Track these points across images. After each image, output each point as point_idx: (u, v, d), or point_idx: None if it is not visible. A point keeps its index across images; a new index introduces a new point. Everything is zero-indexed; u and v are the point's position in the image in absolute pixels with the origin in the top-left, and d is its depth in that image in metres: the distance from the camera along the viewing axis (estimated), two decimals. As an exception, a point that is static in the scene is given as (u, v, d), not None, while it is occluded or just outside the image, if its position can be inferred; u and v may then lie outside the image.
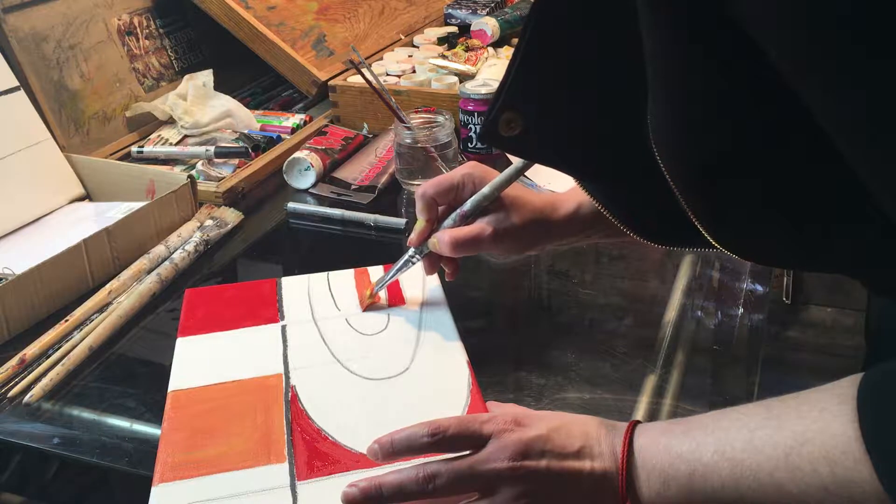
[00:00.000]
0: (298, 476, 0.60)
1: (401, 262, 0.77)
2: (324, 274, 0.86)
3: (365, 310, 0.80)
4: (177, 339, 0.76)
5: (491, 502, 0.54)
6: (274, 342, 0.75)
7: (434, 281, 0.83)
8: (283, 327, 0.77)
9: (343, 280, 0.85)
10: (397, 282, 0.83)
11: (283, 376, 0.70)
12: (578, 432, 0.56)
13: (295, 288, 0.84)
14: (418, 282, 0.83)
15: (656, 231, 0.63)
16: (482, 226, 0.72)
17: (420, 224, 0.75)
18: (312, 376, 0.70)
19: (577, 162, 0.59)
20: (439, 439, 0.55)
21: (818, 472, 0.46)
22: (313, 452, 0.62)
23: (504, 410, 0.58)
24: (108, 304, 0.85)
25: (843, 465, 0.45)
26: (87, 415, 0.72)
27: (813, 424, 0.47)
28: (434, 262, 0.77)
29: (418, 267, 0.84)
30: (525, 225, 0.72)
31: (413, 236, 0.75)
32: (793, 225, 0.48)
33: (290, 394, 0.68)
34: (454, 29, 1.60)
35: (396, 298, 0.81)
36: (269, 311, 0.80)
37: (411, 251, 0.76)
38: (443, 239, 0.72)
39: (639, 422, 0.56)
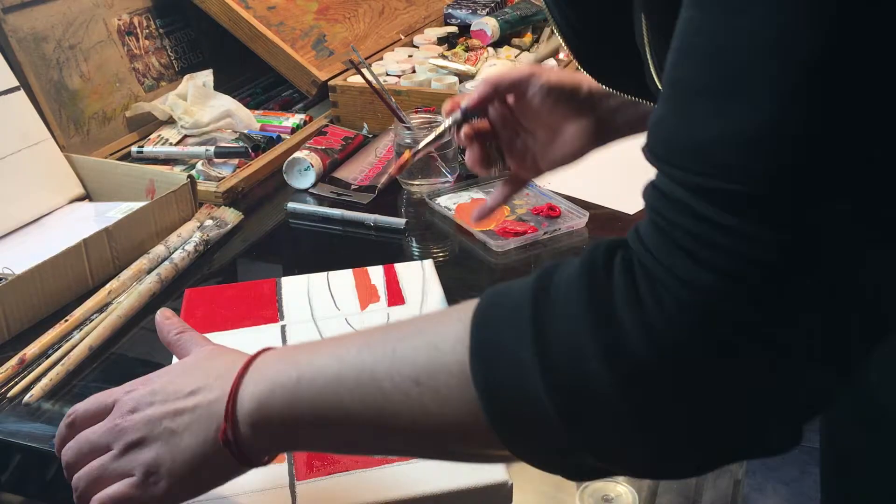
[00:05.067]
0: (298, 476, 0.60)
1: (442, 126, 0.75)
2: (323, 274, 0.86)
3: (396, 174, 0.82)
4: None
5: (101, 463, 0.51)
6: (274, 342, 0.75)
7: (434, 281, 0.83)
8: (283, 327, 0.77)
9: (343, 280, 0.85)
10: (397, 282, 0.83)
11: (283, 376, 0.70)
12: (204, 374, 0.51)
13: (295, 288, 0.84)
14: (418, 282, 0.83)
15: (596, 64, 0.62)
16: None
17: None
18: (312, 376, 0.70)
19: None
20: (72, 420, 0.53)
21: (417, 362, 0.44)
22: (313, 452, 0.62)
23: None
24: (108, 304, 0.85)
25: (442, 349, 0.43)
26: (87, 415, 0.71)
27: (433, 324, 0.46)
28: (468, 135, 0.74)
29: (417, 268, 0.84)
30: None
31: (447, 105, 0.74)
32: None
33: (289, 394, 0.68)
34: (454, 29, 1.60)
35: (396, 298, 0.81)
36: (269, 311, 0.80)
37: (453, 117, 0.74)
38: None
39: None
